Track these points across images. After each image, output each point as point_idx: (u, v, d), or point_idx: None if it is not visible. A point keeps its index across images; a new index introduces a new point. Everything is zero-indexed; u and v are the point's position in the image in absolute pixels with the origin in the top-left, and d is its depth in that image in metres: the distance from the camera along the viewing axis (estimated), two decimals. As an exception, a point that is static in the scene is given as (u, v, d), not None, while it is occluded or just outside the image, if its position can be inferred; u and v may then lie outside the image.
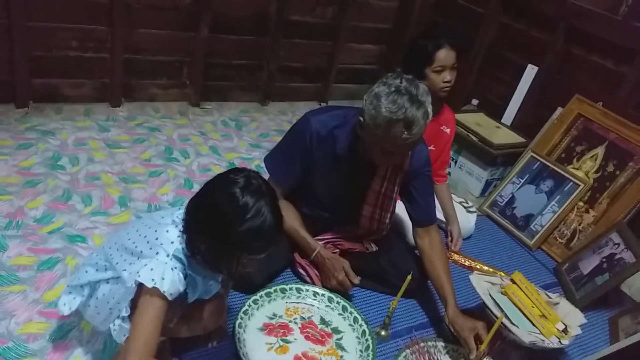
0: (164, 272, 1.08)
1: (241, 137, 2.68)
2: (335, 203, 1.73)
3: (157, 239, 1.14)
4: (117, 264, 1.17)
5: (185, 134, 2.57)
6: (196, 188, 2.12)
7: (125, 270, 1.13)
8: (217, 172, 1.20)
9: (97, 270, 1.23)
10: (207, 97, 2.91)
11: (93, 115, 2.49)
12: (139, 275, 1.07)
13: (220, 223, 1.07)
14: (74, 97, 2.52)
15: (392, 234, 1.90)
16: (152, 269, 1.08)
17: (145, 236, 1.16)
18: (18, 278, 1.53)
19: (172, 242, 1.13)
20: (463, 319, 1.55)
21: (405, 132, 1.41)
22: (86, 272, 1.25)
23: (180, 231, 1.15)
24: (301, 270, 1.78)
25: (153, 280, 1.06)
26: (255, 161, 2.48)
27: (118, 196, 1.99)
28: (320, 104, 3.31)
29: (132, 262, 1.14)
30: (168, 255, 1.11)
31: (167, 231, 1.15)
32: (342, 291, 1.70)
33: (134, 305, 1.12)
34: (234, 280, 1.27)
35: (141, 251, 1.14)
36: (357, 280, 1.68)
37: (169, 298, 1.08)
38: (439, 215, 2.17)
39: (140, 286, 1.08)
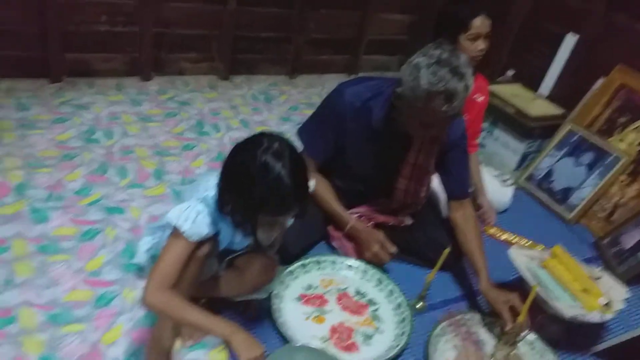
0: (189, 214, 1.14)
1: (271, 111, 2.67)
2: (369, 176, 1.72)
3: (198, 187, 1.23)
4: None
5: (215, 107, 2.56)
6: (229, 161, 2.13)
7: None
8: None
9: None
10: (235, 71, 2.89)
11: (124, 90, 2.50)
12: (170, 213, 1.14)
13: (240, 182, 1.11)
14: (106, 71, 2.53)
15: (427, 207, 1.87)
16: (180, 209, 1.14)
17: (194, 187, 1.26)
18: (61, 248, 1.57)
19: (207, 190, 1.19)
20: (497, 291, 1.54)
21: (446, 105, 1.37)
22: (159, 220, 1.37)
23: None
24: (336, 243, 1.77)
25: (178, 219, 1.13)
26: (287, 134, 2.46)
27: (153, 169, 2.01)
28: (349, 76, 3.27)
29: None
30: (198, 199, 1.18)
31: (208, 181, 1.22)
32: (378, 263, 1.69)
33: None
34: (256, 243, 1.30)
35: (187, 197, 1.23)
36: (394, 249, 1.67)
37: (189, 239, 1.13)
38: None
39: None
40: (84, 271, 1.51)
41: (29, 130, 2.04)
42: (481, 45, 1.87)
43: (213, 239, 1.21)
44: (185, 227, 1.12)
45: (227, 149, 2.24)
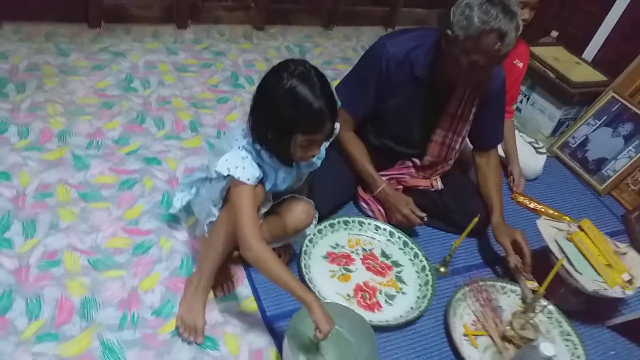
0: (237, 162, 1.21)
1: (305, 64, 2.65)
2: (405, 130, 1.72)
3: (235, 137, 1.29)
4: (209, 165, 1.33)
5: (249, 59, 2.56)
6: (262, 116, 2.15)
7: (215, 167, 1.24)
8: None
9: (201, 172, 1.41)
10: (271, 21, 2.86)
11: (161, 37, 2.51)
12: (216, 166, 1.21)
13: (272, 105, 1.17)
14: (142, 17, 2.53)
15: (457, 172, 1.88)
16: (226, 160, 1.21)
17: (229, 138, 1.31)
18: (102, 196, 1.64)
19: (244, 138, 1.26)
20: (505, 226, 1.67)
21: (499, 43, 1.39)
22: (195, 174, 1.45)
23: (248, 125, 1.26)
24: (364, 205, 1.81)
25: (228, 169, 1.20)
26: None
27: (189, 121, 2.05)
28: (386, 30, 3.19)
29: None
30: (239, 147, 1.25)
31: (242, 129, 1.29)
32: (406, 226, 1.73)
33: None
34: (298, 167, 1.37)
35: (223, 148, 1.29)
36: (422, 214, 1.70)
37: (248, 182, 1.21)
38: (500, 151, 2.13)
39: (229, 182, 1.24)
40: (123, 219, 1.59)
41: (68, 76, 2.10)
42: (525, 14, 1.81)
43: (261, 184, 1.29)
44: (239, 173, 1.20)
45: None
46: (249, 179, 1.21)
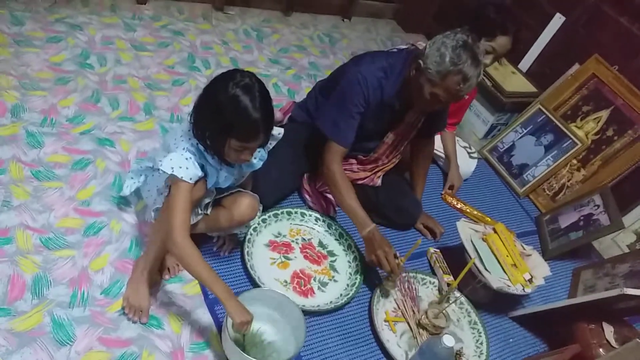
0: (180, 162, 1.32)
1: (261, 51, 2.73)
2: (364, 136, 1.85)
3: (181, 136, 1.39)
4: (157, 157, 1.44)
5: (207, 41, 2.61)
6: (216, 102, 2.23)
7: (160, 161, 1.36)
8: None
9: (149, 161, 1.53)
10: (230, 1, 2.89)
11: (119, 12, 2.51)
12: (162, 164, 1.32)
13: (214, 108, 1.29)
14: (101, -12, 2.52)
15: (394, 172, 2.05)
16: (171, 159, 1.32)
17: (175, 135, 1.41)
18: (55, 175, 1.70)
19: (190, 139, 1.37)
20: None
21: (461, 85, 1.57)
22: (144, 162, 1.56)
23: (190, 122, 1.36)
24: (307, 197, 1.95)
25: (172, 168, 1.31)
26: (273, 79, 2.56)
27: (143, 102, 2.10)
28: (343, 20, 3.29)
29: (165, 156, 1.36)
30: (184, 148, 1.35)
31: (189, 130, 1.38)
32: (381, 264, 1.67)
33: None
34: (230, 165, 1.47)
35: (170, 146, 1.39)
36: (395, 262, 1.66)
37: (189, 181, 1.32)
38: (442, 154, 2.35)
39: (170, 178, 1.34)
40: (75, 199, 1.66)
41: (23, 47, 2.09)
42: (489, 60, 1.99)
43: (204, 180, 1.41)
44: (182, 173, 1.31)
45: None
46: (190, 179, 1.33)
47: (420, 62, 1.60)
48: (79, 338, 1.34)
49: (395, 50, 1.83)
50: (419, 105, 1.74)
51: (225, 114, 1.27)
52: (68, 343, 1.32)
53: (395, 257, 1.67)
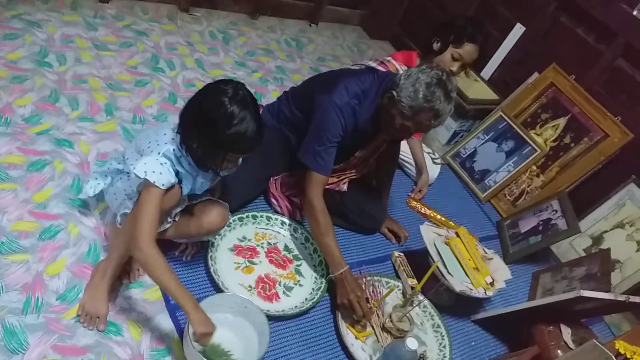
0: (155, 167, 1.29)
1: (227, 53, 2.70)
2: (337, 154, 1.82)
3: (156, 140, 1.36)
4: (127, 159, 1.41)
5: (172, 42, 2.57)
6: (180, 104, 2.20)
7: (132, 165, 1.33)
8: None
9: (118, 163, 1.48)
10: (196, 3, 2.86)
11: (80, 10, 2.45)
12: (135, 168, 1.29)
13: (210, 127, 1.29)
14: (61, -15, 2.45)
15: (362, 181, 2.06)
16: (145, 164, 1.30)
17: (149, 138, 1.38)
18: (9, 176, 1.63)
19: (166, 143, 1.35)
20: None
21: (432, 120, 1.60)
22: (111, 163, 1.50)
23: (173, 131, 1.36)
24: (273, 200, 1.94)
25: (145, 172, 1.28)
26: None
27: (104, 103, 2.05)
28: (310, 25, 3.30)
29: (137, 159, 1.34)
30: (160, 153, 1.33)
31: (164, 134, 1.37)
32: (354, 308, 1.63)
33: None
34: (218, 174, 1.49)
35: (143, 150, 1.36)
36: (367, 307, 1.64)
37: (161, 188, 1.29)
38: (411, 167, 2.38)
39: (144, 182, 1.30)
40: (30, 202, 1.60)
41: (-24, 43, 2.01)
42: (455, 67, 2.03)
43: (179, 186, 1.39)
44: (155, 178, 1.28)
45: (180, 90, 2.34)
46: (163, 184, 1.30)
47: (394, 92, 1.61)
48: (32, 346, 1.28)
49: (364, 69, 1.86)
50: (388, 133, 1.77)
51: (224, 131, 1.28)
52: (20, 351, 1.26)
53: (367, 301, 1.65)
